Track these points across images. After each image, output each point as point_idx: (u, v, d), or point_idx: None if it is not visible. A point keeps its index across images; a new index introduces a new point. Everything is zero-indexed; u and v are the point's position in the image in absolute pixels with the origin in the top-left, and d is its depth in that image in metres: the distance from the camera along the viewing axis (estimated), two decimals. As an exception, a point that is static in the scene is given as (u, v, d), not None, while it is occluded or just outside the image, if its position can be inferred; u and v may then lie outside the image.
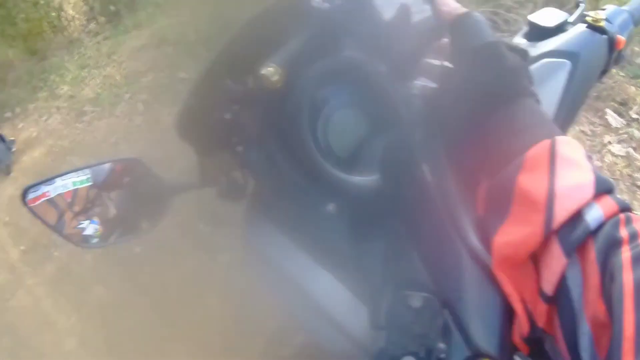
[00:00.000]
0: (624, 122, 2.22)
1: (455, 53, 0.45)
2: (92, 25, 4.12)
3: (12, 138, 3.76)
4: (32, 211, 0.58)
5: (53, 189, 0.59)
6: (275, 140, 0.49)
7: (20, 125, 3.90)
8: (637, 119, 2.22)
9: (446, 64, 0.49)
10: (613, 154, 2.10)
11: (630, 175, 2.02)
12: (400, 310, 0.35)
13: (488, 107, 0.40)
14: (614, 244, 0.31)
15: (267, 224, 0.52)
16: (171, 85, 2.81)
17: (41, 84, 3.97)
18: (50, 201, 0.60)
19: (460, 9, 0.46)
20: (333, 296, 0.44)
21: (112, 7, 3.92)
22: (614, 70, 2.34)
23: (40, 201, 0.59)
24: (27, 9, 4.08)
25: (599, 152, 2.13)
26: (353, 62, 0.50)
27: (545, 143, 0.37)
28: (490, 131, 0.40)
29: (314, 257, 0.47)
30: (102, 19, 4.08)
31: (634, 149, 2.11)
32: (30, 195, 0.58)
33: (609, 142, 2.15)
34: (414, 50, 0.49)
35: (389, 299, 0.37)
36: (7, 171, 3.73)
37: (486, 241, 0.38)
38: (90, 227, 0.63)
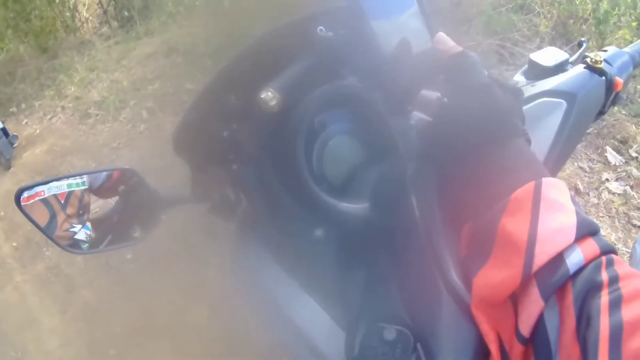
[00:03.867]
0: (623, 160, 2.23)
1: (449, 91, 0.45)
2: (105, 29, 4.16)
3: (15, 133, 3.76)
4: (23, 211, 0.57)
5: (47, 189, 0.60)
6: (269, 161, 0.49)
7: (25, 122, 3.91)
8: (636, 157, 2.24)
9: (442, 98, 0.51)
10: (610, 192, 2.11)
11: (626, 214, 2.03)
12: (373, 341, 0.36)
13: (477, 147, 0.40)
14: (593, 288, 0.31)
15: (256, 244, 0.52)
16: (177, 95, 2.83)
17: (49, 82, 3.98)
18: (44, 201, 0.60)
19: (456, 47, 0.46)
20: (314, 322, 0.44)
21: (126, 13, 3.98)
22: (615, 109, 2.36)
23: (33, 200, 0.59)
24: (41, 6, 4.09)
25: (597, 189, 2.14)
26: (352, 91, 0.50)
27: (530, 185, 0.37)
28: (478, 171, 0.40)
29: (299, 282, 0.47)
30: (115, 24, 4.12)
31: (632, 187, 2.12)
32: (25, 194, 0.58)
33: (607, 180, 2.16)
34: (412, 83, 0.49)
35: (363, 330, 0.37)
36: (7, 166, 3.72)
37: (467, 281, 0.38)
38: (82, 232, 0.63)
